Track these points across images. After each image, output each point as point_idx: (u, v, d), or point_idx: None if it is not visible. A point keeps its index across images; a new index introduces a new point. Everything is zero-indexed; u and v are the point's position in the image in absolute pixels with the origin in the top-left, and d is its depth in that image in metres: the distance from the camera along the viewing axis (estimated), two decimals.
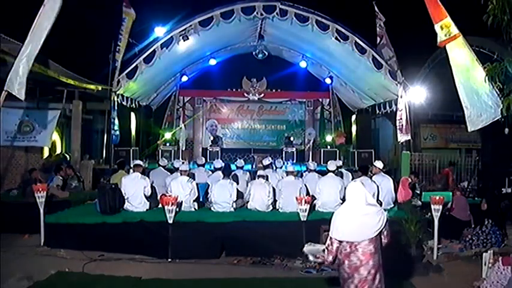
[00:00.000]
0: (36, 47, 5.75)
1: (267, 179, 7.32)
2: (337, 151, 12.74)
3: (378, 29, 10.21)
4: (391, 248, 3.60)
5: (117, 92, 9.82)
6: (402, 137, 9.67)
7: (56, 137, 10.61)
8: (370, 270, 3.32)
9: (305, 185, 7.11)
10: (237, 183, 7.16)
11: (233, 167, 8.28)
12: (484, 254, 5.07)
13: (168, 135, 12.95)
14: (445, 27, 6.06)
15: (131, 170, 7.28)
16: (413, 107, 9.81)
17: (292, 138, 13.71)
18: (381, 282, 3.37)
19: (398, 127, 9.82)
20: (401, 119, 9.73)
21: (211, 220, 6.34)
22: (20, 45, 6.11)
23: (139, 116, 13.32)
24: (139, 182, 6.76)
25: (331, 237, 3.45)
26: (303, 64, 13.14)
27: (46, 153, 10.37)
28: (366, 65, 9.93)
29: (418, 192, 7.94)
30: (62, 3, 5.89)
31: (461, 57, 6.01)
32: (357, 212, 3.44)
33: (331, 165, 7.29)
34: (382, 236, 3.45)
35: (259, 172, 7.28)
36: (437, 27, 6.15)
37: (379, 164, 7.50)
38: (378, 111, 12.08)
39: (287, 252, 6.02)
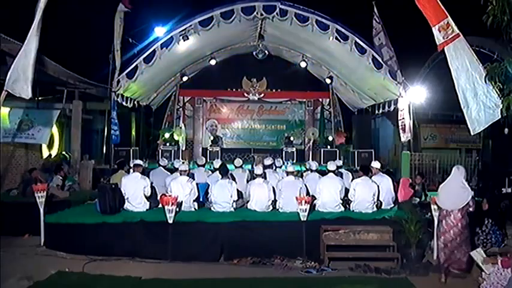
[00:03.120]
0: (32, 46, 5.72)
1: (265, 177, 7.31)
2: (337, 151, 12.73)
3: (373, 30, 10.23)
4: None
5: (117, 92, 9.81)
6: (405, 137, 9.68)
7: (54, 130, 10.44)
8: (460, 229, 5.17)
9: (305, 185, 7.10)
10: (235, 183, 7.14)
11: (231, 167, 8.27)
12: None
13: (168, 135, 12.94)
14: (442, 29, 6.04)
15: (131, 170, 7.28)
16: (413, 107, 9.81)
17: (292, 138, 13.71)
18: (467, 237, 5.25)
19: (400, 127, 9.82)
20: (403, 118, 9.74)
21: (211, 220, 6.34)
22: (20, 45, 6.10)
23: (139, 116, 13.32)
24: (139, 182, 6.75)
25: (435, 200, 5.63)
26: (303, 64, 13.13)
27: (46, 153, 10.37)
28: (366, 65, 9.92)
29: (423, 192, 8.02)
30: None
31: (460, 58, 6.00)
32: (452, 189, 5.29)
33: (331, 165, 7.29)
34: (468, 207, 5.21)
35: (256, 171, 7.21)
36: (435, 30, 6.13)
37: (376, 165, 7.50)
38: (377, 111, 12.08)
39: (287, 252, 6.02)
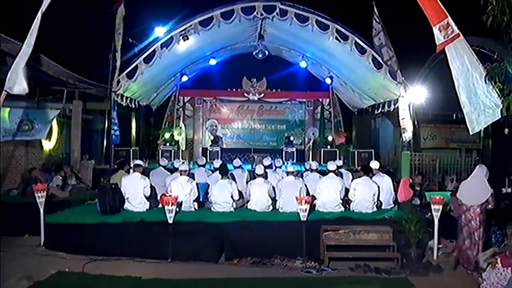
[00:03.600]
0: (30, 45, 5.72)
1: (266, 177, 7.30)
2: (337, 151, 12.75)
3: (373, 30, 10.23)
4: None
5: (117, 92, 9.81)
6: (406, 136, 9.68)
7: (53, 123, 10.37)
8: (478, 223, 5.52)
9: (305, 185, 7.10)
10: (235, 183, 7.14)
11: (230, 167, 8.26)
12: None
13: (168, 135, 12.95)
14: (443, 29, 6.04)
15: (131, 170, 7.27)
16: (413, 107, 9.82)
17: (292, 138, 13.74)
18: (483, 232, 5.57)
19: (402, 126, 9.83)
20: (403, 118, 9.74)
21: (211, 220, 6.34)
22: (20, 45, 6.10)
23: (139, 116, 13.32)
24: (139, 182, 6.75)
25: (457, 196, 5.84)
26: (303, 64, 13.14)
27: (46, 152, 10.35)
28: (365, 65, 9.92)
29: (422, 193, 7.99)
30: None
31: (460, 58, 6.00)
32: (473, 186, 5.67)
33: (331, 165, 7.29)
34: (487, 204, 5.57)
35: (257, 170, 7.19)
36: (435, 30, 6.12)
37: (375, 165, 7.47)
38: (377, 111, 12.08)
39: (287, 252, 6.01)
